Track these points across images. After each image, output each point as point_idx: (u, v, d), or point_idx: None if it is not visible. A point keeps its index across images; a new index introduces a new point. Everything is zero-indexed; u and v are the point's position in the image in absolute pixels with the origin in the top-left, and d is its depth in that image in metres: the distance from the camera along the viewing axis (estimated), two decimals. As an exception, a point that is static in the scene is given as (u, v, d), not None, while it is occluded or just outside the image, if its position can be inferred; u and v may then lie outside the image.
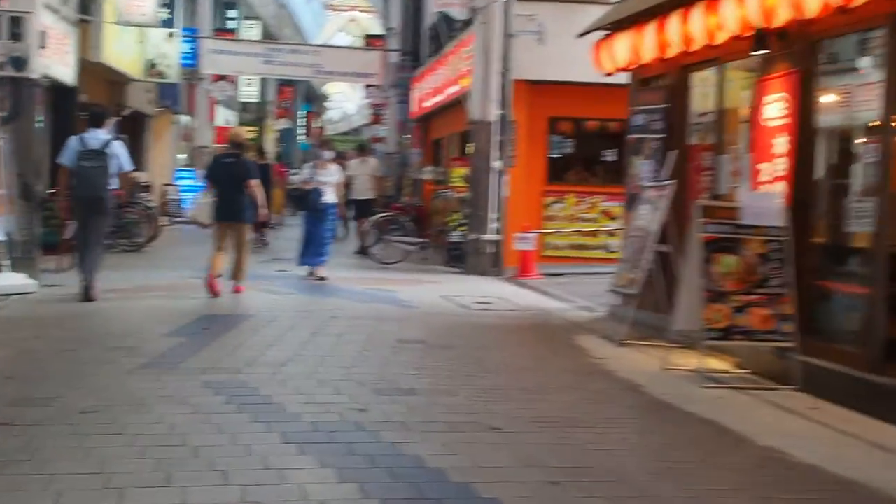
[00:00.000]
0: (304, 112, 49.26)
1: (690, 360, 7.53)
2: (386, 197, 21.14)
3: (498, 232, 14.97)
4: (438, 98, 20.81)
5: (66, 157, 10.59)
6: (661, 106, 9.58)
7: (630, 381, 7.20)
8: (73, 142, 10.69)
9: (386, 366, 7.45)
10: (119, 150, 10.76)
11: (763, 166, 7.40)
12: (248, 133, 15.93)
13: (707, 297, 7.06)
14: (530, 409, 6.20)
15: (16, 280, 11.01)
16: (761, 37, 7.36)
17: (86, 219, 10.72)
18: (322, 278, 12.94)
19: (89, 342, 8.00)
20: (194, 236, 19.17)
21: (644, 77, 10.20)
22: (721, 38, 7.65)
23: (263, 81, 36.65)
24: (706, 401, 6.57)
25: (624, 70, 10.17)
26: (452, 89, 19.11)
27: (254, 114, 38.29)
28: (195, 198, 13.06)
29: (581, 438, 5.55)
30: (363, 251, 16.48)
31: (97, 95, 19.33)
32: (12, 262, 11.20)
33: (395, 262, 15.50)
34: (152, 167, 24.49)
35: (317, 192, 13.18)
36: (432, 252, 16.29)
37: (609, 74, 10.28)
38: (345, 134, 63.02)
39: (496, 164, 14.87)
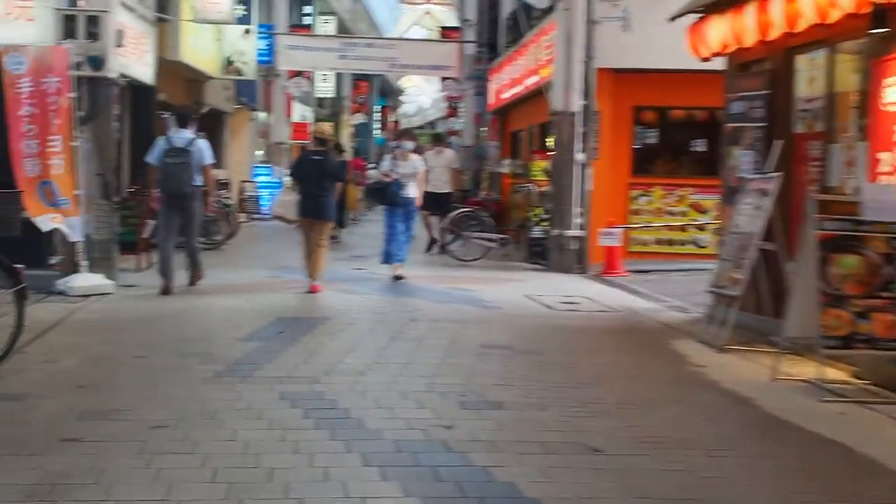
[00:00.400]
0: (380, 107, 48.97)
1: (803, 370, 6.89)
2: (463, 191, 20.69)
3: (582, 227, 14.39)
4: (517, 89, 20.24)
5: (154, 156, 11.08)
6: (763, 92, 8.90)
7: (738, 392, 6.58)
8: (160, 141, 11.26)
9: (471, 375, 6.95)
10: (203, 146, 11.28)
11: (883, 156, 6.70)
12: (329, 129, 15.35)
13: (824, 302, 6.40)
14: (631, 427, 5.64)
15: (93, 280, 10.78)
16: (880, 13, 6.67)
17: (173, 214, 11.13)
18: (399, 277, 12.37)
19: (163, 347, 7.65)
20: (272, 233, 19.00)
21: (743, 62, 9.52)
22: (834, 16, 6.97)
23: (339, 77, 36.47)
24: (827, 418, 5.93)
25: (720, 55, 9.50)
26: (532, 80, 18.52)
27: (329, 109, 38.13)
28: (279, 195, 12.81)
29: (693, 463, 4.97)
30: (441, 248, 15.94)
31: (175, 94, 19.19)
32: (90, 262, 10.98)
33: (474, 260, 14.99)
34: (230, 164, 24.37)
35: (397, 185, 12.50)
36: (512, 248, 15.72)
37: (705, 60, 9.62)
38: (420, 128, 62.72)
39: (579, 156, 14.29)
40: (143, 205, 13.11)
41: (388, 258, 12.71)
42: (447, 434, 5.38)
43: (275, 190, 25.92)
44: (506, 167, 22.23)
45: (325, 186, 11.25)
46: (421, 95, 75.40)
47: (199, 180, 11.02)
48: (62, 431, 5.22)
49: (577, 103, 14.23)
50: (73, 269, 10.99)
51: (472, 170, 25.46)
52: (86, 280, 10.74)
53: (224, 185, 21.47)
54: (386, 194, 12.69)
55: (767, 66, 9.03)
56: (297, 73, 26.68)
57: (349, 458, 4.88)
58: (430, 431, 5.42)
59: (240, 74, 21.70)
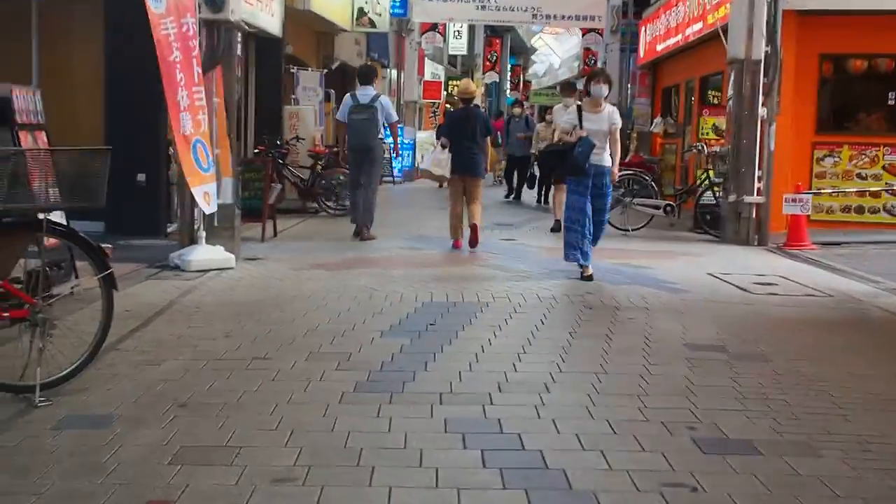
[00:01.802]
0: (511, 65, 46.95)
1: None
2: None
3: (763, 193, 12.33)
4: (674, 39, 18.13)
5: (341, 113, 11.87)
6: None
7: None
8: (347, 98, 11.90)
9: (690, 394, 5.16)
10: (386, 103, 11.85)
11: None
12: (476, 87, 14.00)
13: None
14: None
15: (212, 254, 9.38)
16: None
17: (359, 166, 11.70)
18: (589, 277, 8.87)
19: (290, 345, 6.09)
20: (404, 198, 17.49)
21: None
22: None
23: (471, 34, 34.69)
24: None
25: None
26: (695, 27, 16.41)
27: (461, 67, 36.41)
28: (430, 154, 11.91)
29: None
30: None
31: (304, 48, 17.78)
32: (209, 231, 9.57)
33: (636, 229, 13.11)
34: (361, 124, 22.96)
35: (585, 146, 8.70)
36: (676, 217, 13.73)
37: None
38: (550, 88, 60.57)
39: (762, 111, 12.21)
40: (269, 166, 11.65)
41: (575, 253, 8.94)
42: (693, 499, 3.64)
43: (407, 151, 24.49)
44: (657, 126, 20.18)
45: (476, 144, 11.11)
46: (551, 55, 73.07)
47: (381, 135, 11.84)
48: (149, 487, 3.67)
49: (760, 49, 12.14)
50: (191, 239, 9.62)
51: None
52: (203, 253, 9.34)
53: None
54: (569, 161, 8.81)
55: None
56: (431, 28, 25.02)
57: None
58: (668, 495, 3.68)
59: (372, 27, 20.14)
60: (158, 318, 6.87)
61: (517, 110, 20.87)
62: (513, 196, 19.53)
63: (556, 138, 9.53)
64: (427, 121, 29.18)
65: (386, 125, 12.14)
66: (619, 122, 9.18)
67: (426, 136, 25.00)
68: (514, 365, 5.64)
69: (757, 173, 12.27)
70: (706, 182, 13.15)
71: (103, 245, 5.21)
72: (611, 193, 9.39)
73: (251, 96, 15.14)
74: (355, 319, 6.88)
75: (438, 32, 25.94)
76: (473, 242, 10.88)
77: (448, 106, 32.63)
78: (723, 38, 12.85)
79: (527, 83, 52.41)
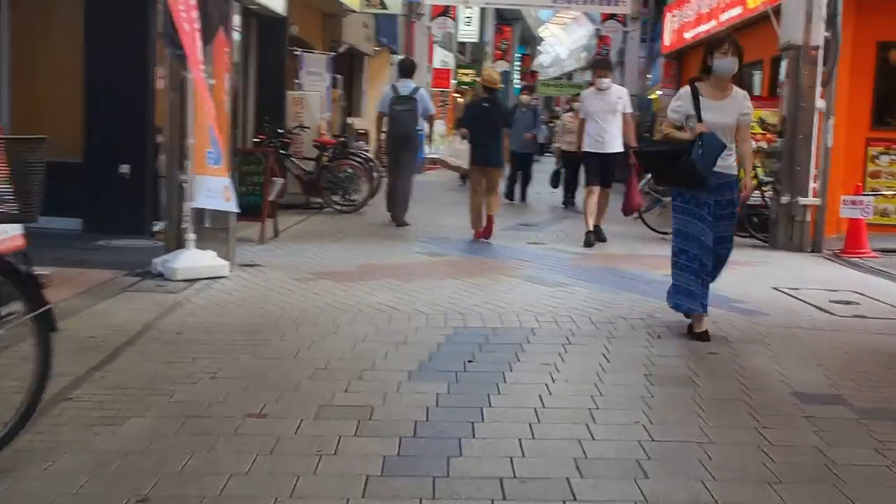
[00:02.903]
0: (520, 55, 45.48)
1: None
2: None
3: (819, 194, 10.92)
4: (707, 26, 16.71)
5: (381, 105, 12.17)
6: None
7: None
8: (387, 90, 12.43)
9: (840, 482, 3.75)
10: (425, 96, 12.27)
11: None
12: (497, 76, 12.57)
13: None
14: None
15: (201, 259, 7.97)
16: None
17: (398, 155, 12.00)
18: (704, 336, 6.08)
19: (293, 392, 4.70)
20: (416, 192, 16.01)
21: None
22: None
23: (482, 21, 33.24)
24: None
25: None
26: (733, 12, 15.01)
27: (470, 55, 34.95)
28: (449, 143, 12.38)
29: None
30: (639, 214, 12.32)
31: (310, 29, 16.34)
32: (198, 233, 8.17)
33: (677, 232, 11.67)
34: (368, 113, 21.49)
35: (710, 148, 5.91)
36: None
37: None
38: (556, 79, 59.11)
39: (819, 103, 10.79)
40: (270, 158, 10.23)
41: (687, 302, 6.23)
42: None
43: (453, 140, 23.04)
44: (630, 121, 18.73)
45: (495, 134, 10.82)
46: (558, 45, 71.58)
47: (421, 126, 12.15)
48: None
49: (819, 34, 10.71)
50: (177, 243, 8.21)
51: (636, 123, 22.00)
52: (192, 259, 7.93)
53: (363, 135, 18.65)
54: (684, 168, 5.95)
55: None
56: (443, 12, 23.54)
57: None
58: None
59: (383, 8, 18.66)
60: (129, 348, 5.46)
61: (525, 98, 17.42)
62: (511, 198, 16.03)
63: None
64: (436, 110, 27.71)
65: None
66: (751, 112, 6.37)
67: (437, 126, 23.54)
68: (588, 428, 4.24)
69: (813, 172, 10.85)
70: (754, 181, 11.70)
71: (39, 272, 3.78)
72: (736, 213, 6.49)
73: (251, 80, 13.71)
74: (374, 353, 5.46)
75: (450, 17, 24.45)
76: (487, 233, 10.77)
77: (456, 95, 31.17)
78: (774, 22, 11.42)
79: (534, 73, 50.88)
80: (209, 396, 4.56)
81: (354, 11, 17.79)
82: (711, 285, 6.38)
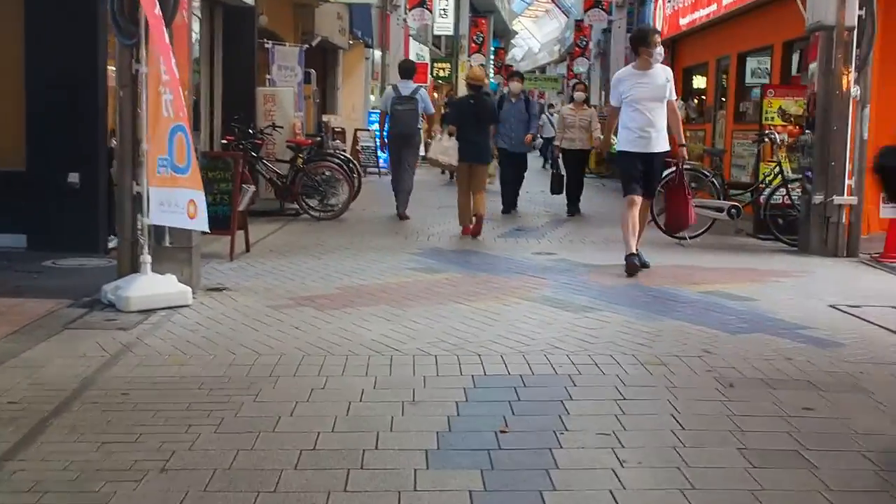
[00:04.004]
0: (494, 48, 44.20)
1: None
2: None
3: (854, 192, 9.73)
4: (707, 10, 15.52)
5: (384, 104, 12.53)
6: None
7: None
8: (389, 90, 12.73)
9: None
10: (425, 96, 12.51)
11: None
12: (482, 73, 11.97)
13: None
14: None
15: (159, 286, 6.65)
16: None
17: (399, 152, 12.15)
18: None
19: (271, 493, 3.40)
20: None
21: None
22: None
23: (457, 13, 31.95)
24: None
25: None
26: (739, -6, 13.81)
27: (445, 49, 33.63)
28: (436, 141, 11.39)
29: None
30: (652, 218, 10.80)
31: (280, 20, 14.98)
32: (155, 253, 6.85)
33: (695, 237, 10.45)
34: (343, 109, 20.15)
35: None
36: (736, 219, 10.96)
37: None
38: (530, 72, 57.94)
39: (854, 90, 9.58)
40: (240, 162, 8.89)
41: None
42: None
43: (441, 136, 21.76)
44: (678, 110, 17.51)
45: (482, 130, 10.87)
46: (530, 39, 70.48)
47: (421, 124, 12.50)
48: None
49: (853, 13, 9.51)
50: (132, 265, 6.88)
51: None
52: (148, 285, 6.60)
53: (339, 133, 17.32)
54: None
55: None
56: (419, 3, 22.21)
57: None
58: None
59: (357, -3, 17.34)
60: (57, 420, 4.13)
61: (515, 85, 13.63)
62: (510, 208, 13.32)
63: None
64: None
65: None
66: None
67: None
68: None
69: (848, 168, 9.65)
70: (779, 178, 10.49)
71: None
72: None
73: (217, 75, 12.34)
74: (376, 420, 4.16)
75: (427, 9, 23.10)
76: (476, 231, 10.52)
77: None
78: (799, 2, 10.19)
79: (508, 67, 49.61)
80: (156, 502, 3.25)
81: (328, 1, 16.44)
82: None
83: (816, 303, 7.10)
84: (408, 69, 12.89)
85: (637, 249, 8.31)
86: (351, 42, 19.49)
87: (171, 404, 4.37)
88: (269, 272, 8.05)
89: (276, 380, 4.79)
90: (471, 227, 10.57)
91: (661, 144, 8.39)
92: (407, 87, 12.37)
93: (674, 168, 9.40)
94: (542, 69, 62.90)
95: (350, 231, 10.93)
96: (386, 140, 12.52)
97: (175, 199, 6.62)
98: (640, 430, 4.08)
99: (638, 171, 8.32)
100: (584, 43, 32.27)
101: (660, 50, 8.43)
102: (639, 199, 8.36)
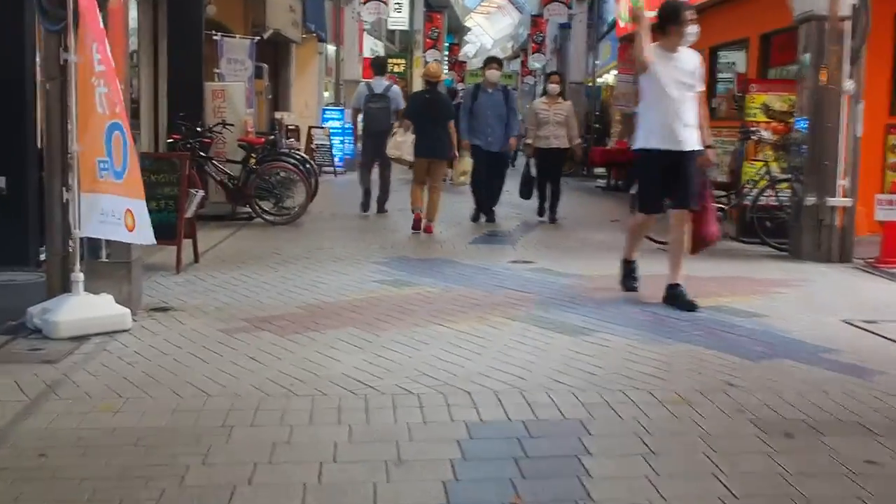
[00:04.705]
0: (448, 44, 43.37)
1: None
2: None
3: (848, 193, 9.08)
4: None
5: (357, 102, 12.62)
6: None
7: None
8: (362, 87, 12.70)
9: None
10: (398, 93, 12.43)
11: None
12: (439, 70, 11.79)
13: None
14: None
15: (93, 308, 5.76)
16: None
17: (374, 150, 12.00)
18: None
19: None
20: (353, 192, 13.89)
21: None
22: None
23: (412, 7, 31.10)
24: None
25: None
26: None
27: (399, 45, 32.76)
28: (393, 136, 11.13)
29: None
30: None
31: (229, 11, 14.04)
32: (89, 269, 5.97)
33: (678, 241, 9.71)
34: (296, 106, 19.21)
35: None
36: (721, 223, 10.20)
37: None
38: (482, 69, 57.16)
39: (848, 85, 8.92)
40: (187, 163, 7.96)
41: None
42: None
43: (348, 137, 20.88)
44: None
45: (439, 126, 10.66)
46: (483, 35, 69.75)
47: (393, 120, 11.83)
48: None
49: (847, 2, 8.85)
50: (62, 284, 5.97)
51: (583, 113, 20.12)
52: (80, 307, 5.71)
53: (293, 132, 16.40)
54: None
55: None
56: (374, -4, 21.34)
57: None
58: None
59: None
60: (-51, 501, 3.25)
61: (492, 74, 11.80)
62: (482, 217, 11.77)
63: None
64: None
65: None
66: None
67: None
68: None
69: (842, 167, 9.00)
70: (765, 178, 9.81)
71: None
72: None
73: (162, 69, 11.37)
74: (356, 492, 3.32)
75: (382, 2, 22.17)
76: (426, 231, 10.52)
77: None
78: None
79: (461, 63, 48.87)
80: None
81: (279, -10, 15.51)
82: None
83: (828, 318, 6.40)
84: (380, 65, 13.08)
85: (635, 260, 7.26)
86: (304, 36, 18.54)
87: (99, 469, 3.51)
88: (221, 287, 7.17)
89: (229, 431, 3.94)
90: (421, 213, 10.57)
91: (693, 142, 6.67)
92: (380, 85, 12.40)
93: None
94: (495, 66, 62.18)
95: (308, 237, 10.06)
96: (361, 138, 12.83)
97: (113, 208, 5.75)
98: (681, 500, 3.29)
99: (660, 178, 6.67)
100: (541, 39, 31.58)
101: (695, 29, 6.70)
102: (655, 219, 7.05)
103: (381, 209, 12.30)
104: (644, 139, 6.74)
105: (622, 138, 17.46)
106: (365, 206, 12.30)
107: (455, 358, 5.11)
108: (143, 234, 5.73)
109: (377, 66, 13.13)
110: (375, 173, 12.37)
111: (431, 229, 10.50)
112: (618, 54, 18.45)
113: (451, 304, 6.55)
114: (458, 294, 6.95)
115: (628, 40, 18.06)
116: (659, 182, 6.71)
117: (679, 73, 6.64)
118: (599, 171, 19.98)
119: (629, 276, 7.20)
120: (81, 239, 5.93)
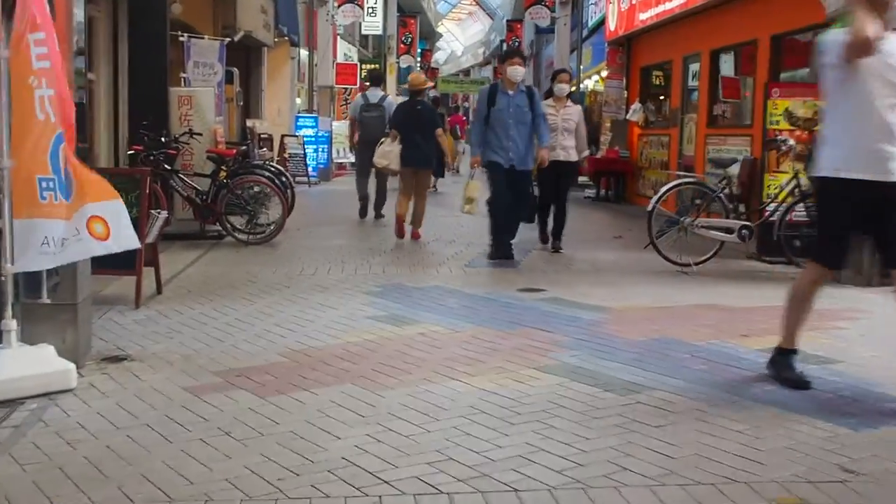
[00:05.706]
0: (421, 50, 42.35)
1: None
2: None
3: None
4: (672, 4, 13.85)
5: (353, 111, 13.09)
6: None
7: None
8: (358, 98, 13.33)
9: None
10: (392, 103, 12.59)
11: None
12: (424, 79, 11.55)
13: None
14: None
15: (29, 365, 4.63)
16: None
17: (368, 159, 11.64)
18: None
19: None
20: (330, 204, 12.93)
21: None
22: None
23: (385, 12, 30.01)
24: None
25: None
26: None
27: (373, 50, 31.65)
28: (380, 146, 10.86)
29: None
30: (653, 242, 8.68)
31: (197, 10, 12.87)
32: (26, 312, 4.83)
33: (701, 263, 8.67)
34: (268, 113, 18.02)
35: None
36: (748, 241, 9.10)
37: None
38: (454, 75, 56.27)
39: (888, 89, 7.89)
40: (147, 181, 6.77)
41: None
42: None
43: (322, 146, 19.75)
44: (635, 114, 15.95)
45: (425, 135, 10.56)
46: (454, 42, 68.78)
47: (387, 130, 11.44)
48: None
49: None
50: (-10, 332, 4.81)
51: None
52: (12, 364, 4.57)
53: (266, 141, 15.23)
54: None
55: None
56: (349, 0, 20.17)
57: None
58: None
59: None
60: None
61: (515, 71, 9.03)
62: (501, 254, 9.11)
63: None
64: (339, 109, 24.26)
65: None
66: None
67: (342, 127, 20.20)
68: None
69: (882, 180, 7.96)
70: (795, 192, 8.78)
71: None
72: None
73: (122, 73, 10.17)
74: None
75: (357, 4, 21.01)
76: (413, 237, 10.53)
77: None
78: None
79: (434, 69, 47.88)
80: None
81: (250, -10, 14.33)
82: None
83: (876, 356, 5.37)
84: (376, 77, 13.92)
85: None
86: (276, 39, 17.36)
87: None
88: (187, 326, 6.01)
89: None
90: (404, 222, 10.52)
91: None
92: (375, 95, 12.84)
93: None
94: (466, 72, 61.37)
95: (287, 259, 8.91)
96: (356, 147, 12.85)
97: (61, 234, 4.63)
98: None
99: (855, 220, 4.63)
100: (517, 44, 30.66)
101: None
102: (833, 275, 5.03)
103: (378, 214, 12.58)
104: (833, 163, 4.57)
105: (612, 146, 16.45)
106: (362, 212, 12.64)
107: (483, 431, 3.99)
108: (123, 238, 4.72)
109: (373, 77, 13.90)
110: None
111: (419, 235, 10.54)
112: (607, 58, 17.44)
113: (463, 350, 5.43)
114: (469, 335, 5.83)
115: (617, 45, 17.08)
116: (851, 225, 4.69)
117: (890, 70, 4.43)
118: (582, 179, 18.95)
119: (788, 367, 4.85)
120: (15, 275, 4.77)
